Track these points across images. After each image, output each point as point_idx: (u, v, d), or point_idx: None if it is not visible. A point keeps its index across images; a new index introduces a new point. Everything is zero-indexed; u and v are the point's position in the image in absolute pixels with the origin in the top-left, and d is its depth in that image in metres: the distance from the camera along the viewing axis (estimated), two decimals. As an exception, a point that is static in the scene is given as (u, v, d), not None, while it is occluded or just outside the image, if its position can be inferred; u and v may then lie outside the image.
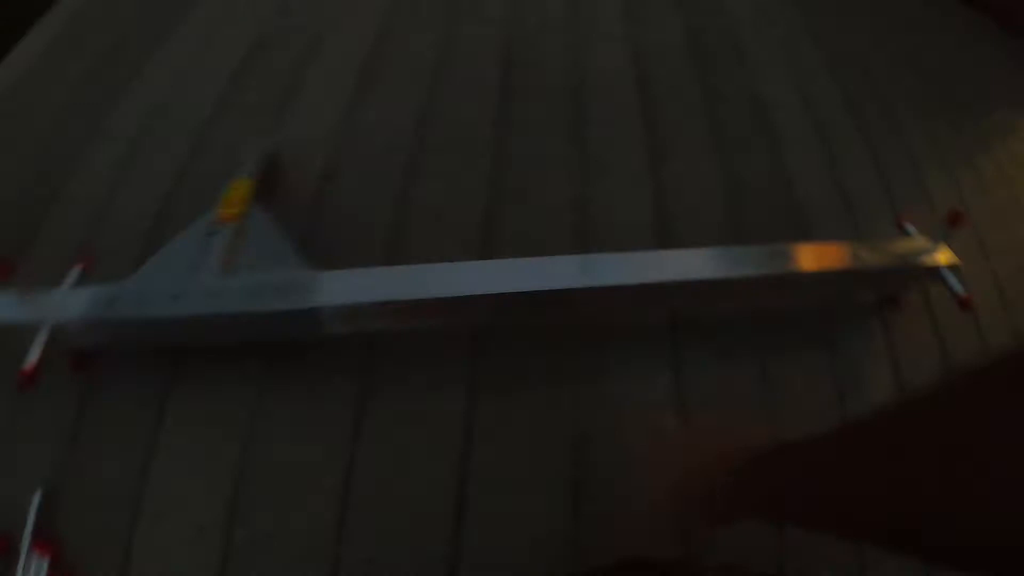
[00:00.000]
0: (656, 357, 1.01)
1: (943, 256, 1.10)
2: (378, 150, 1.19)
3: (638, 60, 1.53)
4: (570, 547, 0.81)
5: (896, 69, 1.77)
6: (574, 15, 1.65)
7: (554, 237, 1.12)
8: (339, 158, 1.18)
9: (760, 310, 1.09)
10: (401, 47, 1.44)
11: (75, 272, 0.96)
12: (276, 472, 0.84)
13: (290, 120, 1.25)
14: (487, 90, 1.35)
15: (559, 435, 0.90)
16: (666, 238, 1.15)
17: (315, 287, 0.83)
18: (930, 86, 1.75)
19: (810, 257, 1.09)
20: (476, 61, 1.41)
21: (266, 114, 1.27)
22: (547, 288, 0.85)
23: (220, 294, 0.83)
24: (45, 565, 0.74)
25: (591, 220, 1.15)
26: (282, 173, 1.14)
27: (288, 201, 1.09)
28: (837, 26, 1.85)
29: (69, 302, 0.82)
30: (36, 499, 0.79)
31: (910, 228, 1.17)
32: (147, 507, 0.80)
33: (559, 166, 1.23)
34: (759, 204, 1.27)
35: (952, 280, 1.08)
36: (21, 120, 1.24)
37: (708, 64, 1.59)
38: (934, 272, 1.10)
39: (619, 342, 1.01)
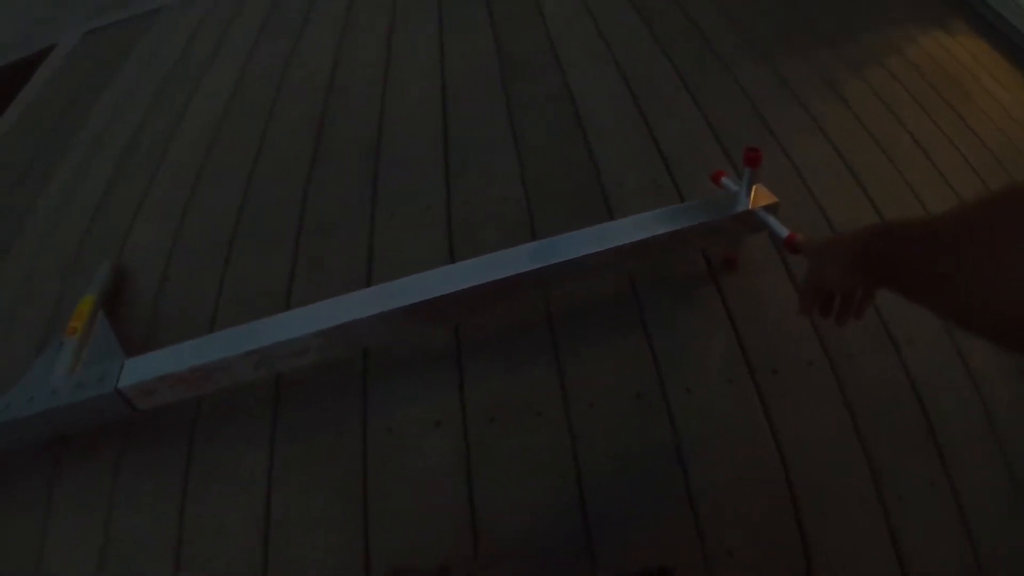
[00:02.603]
0: (438, 377, 1.09)
1: (756, 198, 1.07)
2: (204, 245, 1.40)
3: (445, 88, 1.71)
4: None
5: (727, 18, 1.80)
6: (386, 57, 1.88)
7: (352, 283, 1.25)
8: (172, 261, 1.39)
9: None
10: (232, 137, 1.70)
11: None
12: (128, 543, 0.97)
13: (137, 228, 1.49)
14: (299, 161, 1.56)
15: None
16: (457, 254, 1.27)
17: (122, 372, 0.97)
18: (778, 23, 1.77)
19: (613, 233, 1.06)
20: (288, 138, 1.65)
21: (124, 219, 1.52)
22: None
23: (59, 392, 0.97)
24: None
25: (380, 260, 1.29)
26: (127, 281, 1.35)
27: (130, 304, 1.30)
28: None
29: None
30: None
31: (728, 182, 1.11)
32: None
33: (355, 218, 1.39)
34: (564, 197, 1.36)
35: (771, 221, 1.03)
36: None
37: (517, 72, 1.73)
38: (750, 217, 1.08)
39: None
